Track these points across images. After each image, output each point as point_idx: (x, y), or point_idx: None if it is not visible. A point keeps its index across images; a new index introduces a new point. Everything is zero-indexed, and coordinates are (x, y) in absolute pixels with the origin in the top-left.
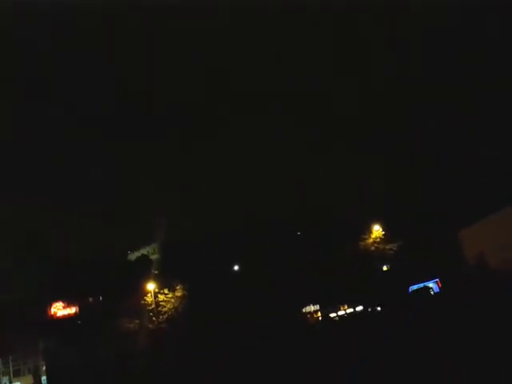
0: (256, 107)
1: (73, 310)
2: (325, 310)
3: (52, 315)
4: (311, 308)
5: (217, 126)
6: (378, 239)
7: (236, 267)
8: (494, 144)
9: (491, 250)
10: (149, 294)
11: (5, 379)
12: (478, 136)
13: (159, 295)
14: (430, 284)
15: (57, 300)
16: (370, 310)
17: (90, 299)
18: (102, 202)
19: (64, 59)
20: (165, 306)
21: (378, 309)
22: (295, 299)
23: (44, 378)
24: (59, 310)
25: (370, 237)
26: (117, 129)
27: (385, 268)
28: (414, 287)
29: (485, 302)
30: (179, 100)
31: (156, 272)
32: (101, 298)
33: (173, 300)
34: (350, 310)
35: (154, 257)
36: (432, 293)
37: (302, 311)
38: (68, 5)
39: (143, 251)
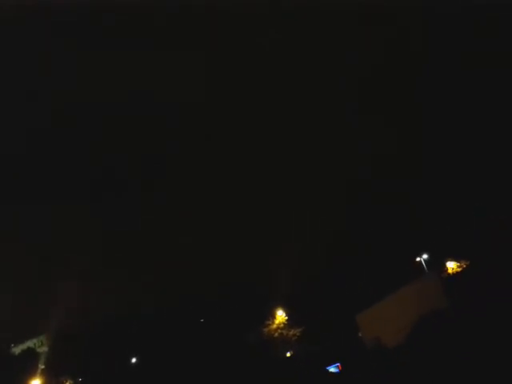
0: None
1: None
2: None
3: None
4: None
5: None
6: (282, 325)
7: (133, 359)
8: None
9: (388, 333)
10: None
11: None
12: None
13: None
14: (332, 368)
15: None
16: None
17: None
18: None
19: None
20: None
21: None
22: None
23: None
24: None
25: (273, 322)
26: None
27: (288, 354)
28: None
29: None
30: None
31: (43, 367)
32: None
33: None
34: None
35: (41, 349)
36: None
37: None
38: None
39: (29, 344)
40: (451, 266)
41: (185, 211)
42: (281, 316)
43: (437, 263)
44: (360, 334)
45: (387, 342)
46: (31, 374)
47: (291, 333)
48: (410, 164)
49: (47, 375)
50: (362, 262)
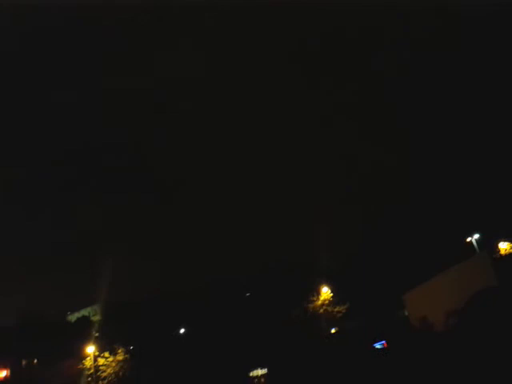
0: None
1: (3, 373)
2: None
3: None
4: (258, 372)
5: (172, 190)
6: (327, 301)
7: (182, 330)
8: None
9: (435, 313)
10: (88, 358)
11: None
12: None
13: (99, 359)
14: (378, 346)
15: None
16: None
17: (24, 362)
18: (43, 260)
19: None
20: (105, 371)
21: None
22: (242, 362)
23: None
24: None
25: (318, 299)
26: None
27: (333, 330)
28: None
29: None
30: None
31: (97, 334)
32: (35, 361)
33: (113, 364)
34: None
35: (95, 318)
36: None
37: (248, 375)
38: None
39: (84, 312)
40: (504, 246)
41: (235, 195)
42: (326, 293)
43: (488, 244)
44: (406, 313)
45: (434, 322)
46: (86, 340)
47: (336, 309)
48: (462, 145)
49: (101, 342)
50: (412, 240)
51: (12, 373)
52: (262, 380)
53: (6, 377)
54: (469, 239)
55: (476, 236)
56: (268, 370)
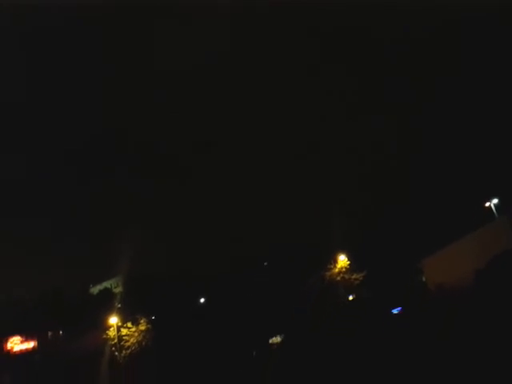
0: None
1: (31, 344)
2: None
3: (8, 350)
4: (278, 339)
5: (191, 165)
6: (344, 269)
7: (202, 300)
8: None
9: (454, 279)
10: (111, 328)
11: None
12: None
13: (122, 329)
14: (395, 311)
15: (14, 335)
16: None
17: (50, 333)
18: (64, 234)
19: None
20: (128, 341)
21: None
22: (262, 331)
23: None
24: (16, 344)
25: (335, 267)
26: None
27: (350, 298)
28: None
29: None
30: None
31: (119, 305)
32: (61, 333)
33: (136, 334)
34: None
35: (117, 290)
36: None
37: (268, 342)
38: None
39: (106, 284)
40: None
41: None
42: (343, 261)
43: (508, 208)
44: (424, 279)
45: (452, 287)
46: (109, 312)
47: (353, 277)
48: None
49: (123, 313)
50: (429, 206)
51: (39, 344)
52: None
53: (34, 347)
54: (487, 204)
55: (495, 201)
56: (284, 337)
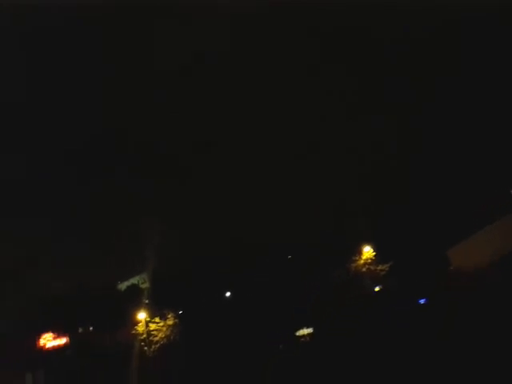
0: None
1: (63, 340)
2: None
3: (41, 347)
4: (304, 331)
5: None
6: (369, 260)
7: (228, 293)
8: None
9: (481, 267)
10: (140, 324)
11: None
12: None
13: (150, 324)
14: (422, 302)
15: (46, 331)
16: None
17: (80, 330)
18: (90, 232)
19: None
20: (156, 335)
21: None
22: (288, 323)
23: None
24: (49, 341)
25: (361, 258)
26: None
27: (377, 289)
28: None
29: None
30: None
31: (147, 301)
32: (91, 329)
33: (164, 328)
34: None
35: (144, 286)
36: None
37: (295, 335)
38: None
39: (133, 281)
40: None
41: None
42: (368, 252)
43: None
44: (451, 269)
45: (479, 276)
46: (137, 307)
47: (379, 268)
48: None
49: (151, 308)
50: (454, 194)
51: (71, 340)
52: (308, 338)
53: (66, 343)
54: None
55: None
56: (314, 329)
